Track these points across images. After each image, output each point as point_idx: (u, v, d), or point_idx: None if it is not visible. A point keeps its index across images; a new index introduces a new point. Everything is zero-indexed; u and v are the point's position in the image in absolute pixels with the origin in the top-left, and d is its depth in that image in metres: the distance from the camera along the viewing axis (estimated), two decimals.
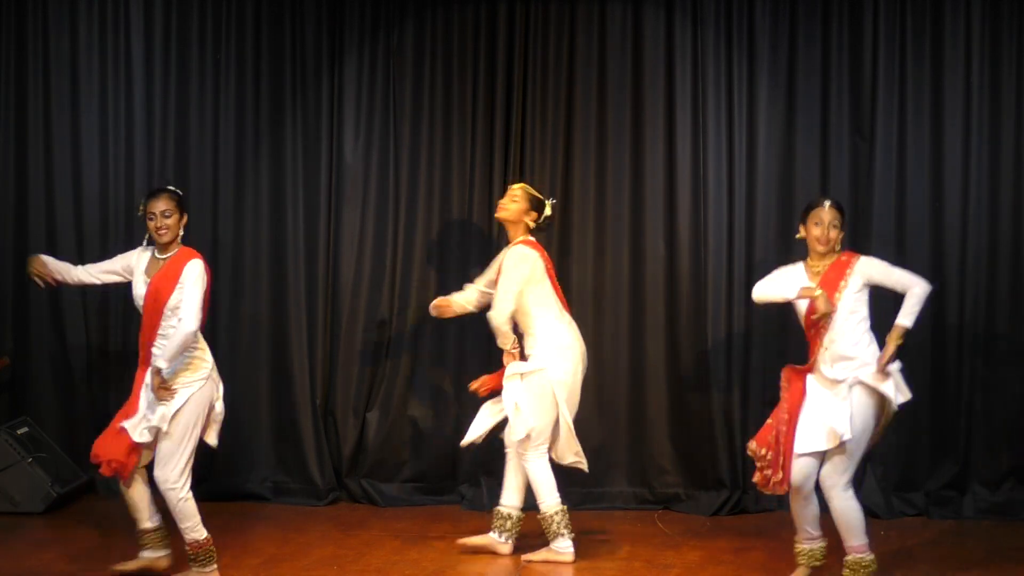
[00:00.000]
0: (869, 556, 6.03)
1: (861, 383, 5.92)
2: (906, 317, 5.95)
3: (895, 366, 5.96)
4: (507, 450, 6.82)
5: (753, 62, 7.67)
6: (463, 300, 6.99)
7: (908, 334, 5.97)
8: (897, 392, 5.97)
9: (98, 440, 6.23)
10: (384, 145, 7.94)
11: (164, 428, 6.08)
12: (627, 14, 7.74)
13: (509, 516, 6.81)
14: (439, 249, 7.90)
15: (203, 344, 6.24)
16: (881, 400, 5.97)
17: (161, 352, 6.09)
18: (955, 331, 7.54)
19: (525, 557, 6.73)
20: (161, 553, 6.36)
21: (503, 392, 6.70)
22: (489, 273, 6.94)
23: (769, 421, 6.08)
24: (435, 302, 7.03)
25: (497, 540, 6.81)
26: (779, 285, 6.11)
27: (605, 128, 7.78)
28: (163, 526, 6.36)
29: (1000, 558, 6.75)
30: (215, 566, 6.28)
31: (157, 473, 6.12)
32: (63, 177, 8.02)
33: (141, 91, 7.97)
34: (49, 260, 6.52)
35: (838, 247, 6.10)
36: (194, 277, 6.16)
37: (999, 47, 7.52)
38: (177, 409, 6.10)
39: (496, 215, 6.90)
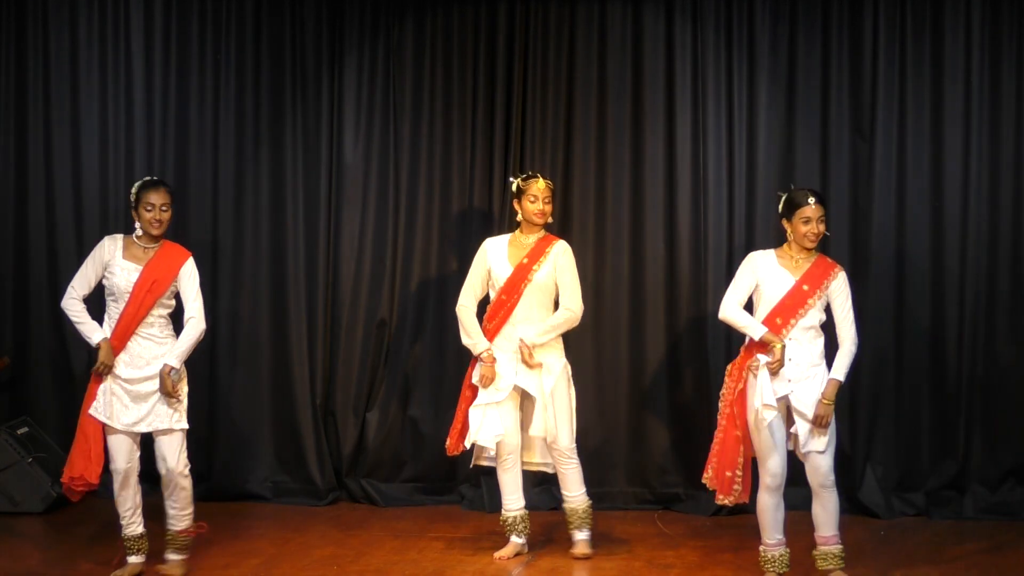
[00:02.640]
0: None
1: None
2: (841, 373, 6.11)
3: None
4: (555, 453, 6.67)
5: (753, 62, 7.67)
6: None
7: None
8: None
9: (75, 462, 6.20)
10: (384, 145, 7.95)
11: (186, 426, 6.23)
12: (627, 14, 7.75)
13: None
14: (439, 249, 7.90)
15: None
16: None
17: (174, 351, 6.19)
18: (955, 331, 7.54)
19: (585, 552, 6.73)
20: (142, 560, 6.38)
21: (541, 388, 6.61)
22: (479, 274, 6.80)
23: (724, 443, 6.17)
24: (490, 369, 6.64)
25: (519, 543, 6.78)
26: (747, 317, 6.20)
27: (605, 128, 7.78)
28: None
29: (1000, 558, 6.75)
30: None
31: (170, 464, 6.17)
32: (63, 177, 8.02)
33: (141, 91, 7.97)
34: (103, 346, 6.20)
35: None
36: (196, 276, 6.30)
37: (999, 47, 7.52)
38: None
39: (542, 222, 6.72)
